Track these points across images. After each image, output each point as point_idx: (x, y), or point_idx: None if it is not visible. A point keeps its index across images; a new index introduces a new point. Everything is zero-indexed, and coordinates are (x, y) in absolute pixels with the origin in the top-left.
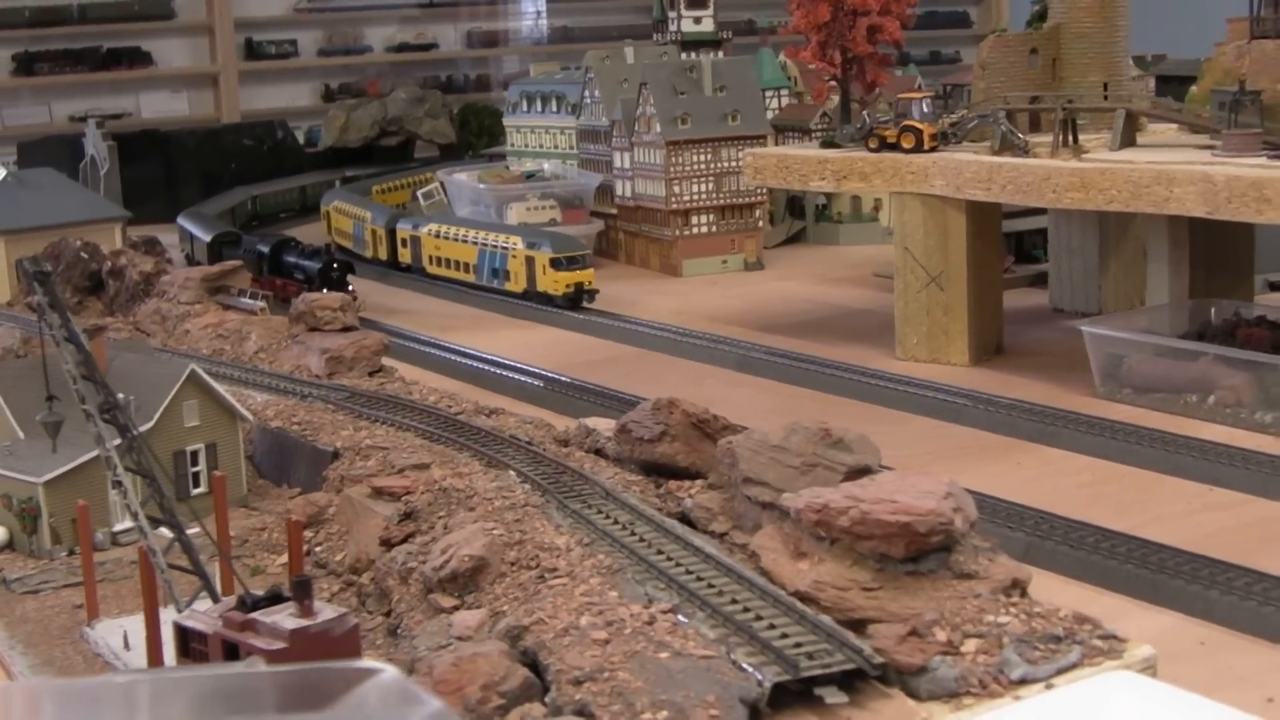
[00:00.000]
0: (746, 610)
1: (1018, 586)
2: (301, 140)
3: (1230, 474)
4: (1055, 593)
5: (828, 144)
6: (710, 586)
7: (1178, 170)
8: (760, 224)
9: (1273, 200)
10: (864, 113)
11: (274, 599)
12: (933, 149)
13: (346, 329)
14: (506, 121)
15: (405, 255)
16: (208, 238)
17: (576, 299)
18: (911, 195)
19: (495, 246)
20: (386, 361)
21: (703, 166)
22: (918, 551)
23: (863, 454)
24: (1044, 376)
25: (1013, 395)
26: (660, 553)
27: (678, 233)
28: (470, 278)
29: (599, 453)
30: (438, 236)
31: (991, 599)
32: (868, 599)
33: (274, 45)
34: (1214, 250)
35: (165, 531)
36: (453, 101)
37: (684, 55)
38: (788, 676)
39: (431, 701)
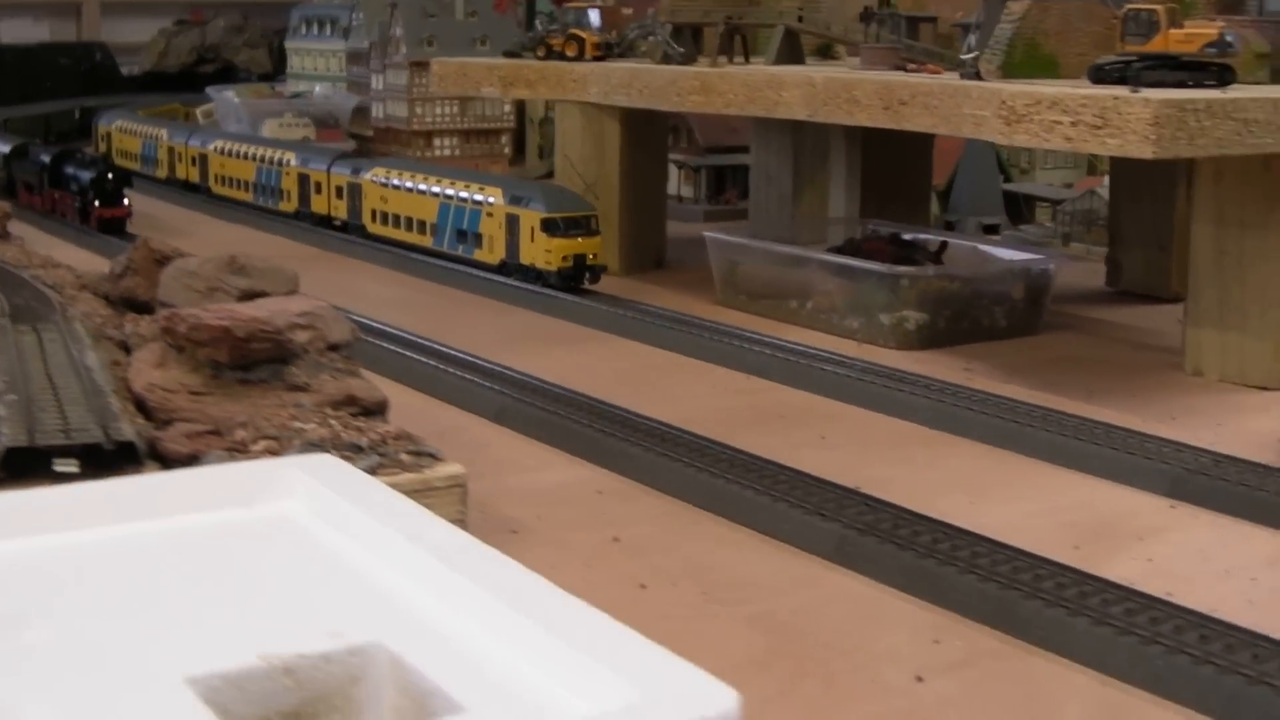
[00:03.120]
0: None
1: (355, 404)
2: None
3: (771, 364)
4: (515, 449)
5: (508, 53)
6: (51, 382)
7: (787, 75)
8: (505, 150)
9: (860, 101)
10: (536, 21)
11: None
12: (596, 58)
13: None
14: (288, 45)
15: (339, 208)
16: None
17: (575, 277)
18: (572, 103)
19: (464, 201)
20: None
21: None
22: (246, 359)
23: (264, 281)
24: (684, 288)
25: (642, 300)
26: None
27: (420, 154)
28: (426, 240)
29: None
30: (381, 184)
31: (314, 410)
32: (191, 402)
33: None
34: (888, 179)
35: None
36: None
37: None
38: (23, 443)
39: None
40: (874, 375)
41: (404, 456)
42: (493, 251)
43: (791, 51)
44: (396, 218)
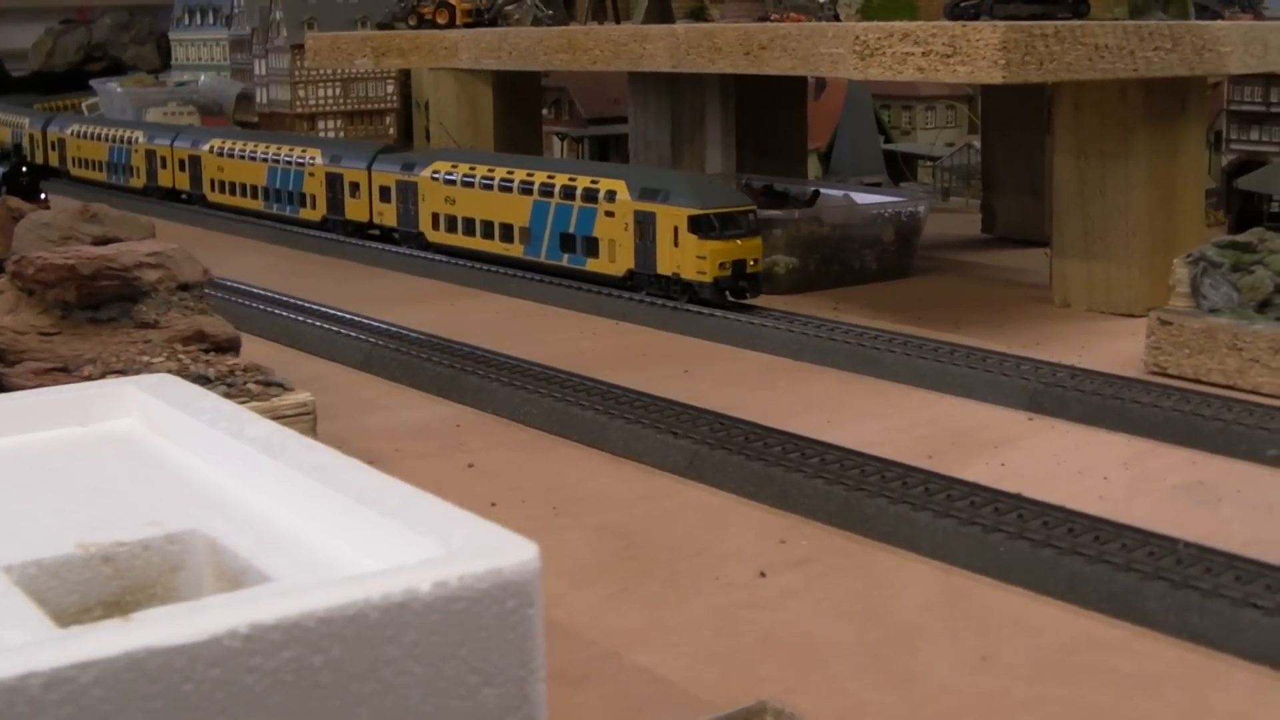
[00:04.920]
0: None
1: (205, 340)
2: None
3: (639, 310)
4: (378, 391)
5: (382, 25)
6: None
7: (650, 28)
8: (390, 131)
9: (722, 49)
10: None
11: None
12: (468, 25)
13: None
14: (172, 36)
15: (386, 214)
16: None
17: (734, 288)
18: (445, 71)
19: (570, 196)
20: None
21: (329, 71)
22: (94, 298)
23: (118, 229)
24: None
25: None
26: None
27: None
28: (515, 249)
29: None
30: (447, 182)
31: (162, 346)
32: (41, 342)
33: None
34: (762, 136)
35: None
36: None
37: None
38: None
39: None
40: (740, 315)
41: (252, 386)
42: (616, 260)
43: (662, 14)
44: (471, 223)
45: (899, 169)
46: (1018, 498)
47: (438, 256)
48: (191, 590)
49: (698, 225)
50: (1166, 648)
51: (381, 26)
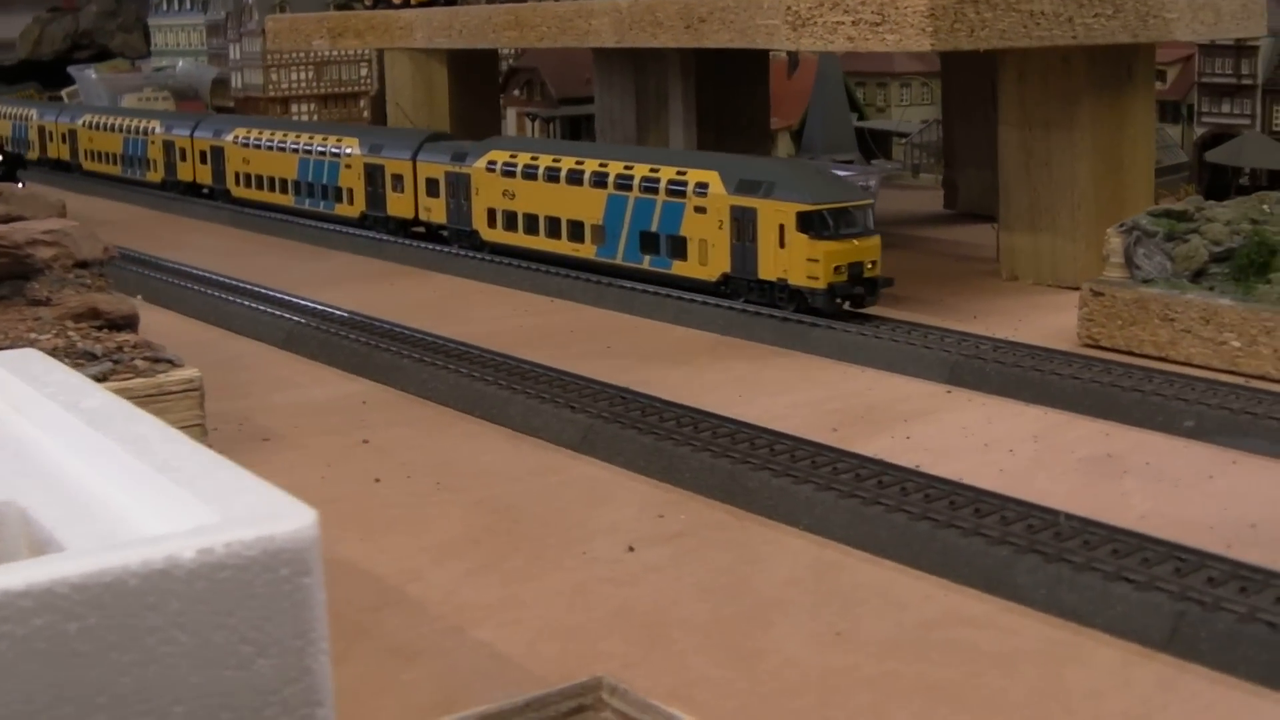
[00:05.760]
0: None
1: (99, 316)
2: None
3: (574, 287)
4: (294, 369)
5: (340, 5)
6: None
7: (595, 4)
8: (365, 114)
9: (663, 23)
10: None
11: None
12: (423, 4)
13: None
14: (150, 22)
15: (435, 210)
16: None
17: (850, 296)
18: (400, 51)
19: (652, 188)
20: None
21: (302, 55)
22: None
23: (23, 208)
24: None
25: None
26: None
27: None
28: (587, 250)
29: None
30: (504, 173)
31: (52, 322)
32: None
33: None
34: (724, 114)
35: None
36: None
37: None
38: None
39: None
40: (670, 290)
41: (139, 363)
42: (708, 263)
43: None
44: (534, 220)
45: (875, 146)
46: (902, 470)
47: (387, 236)
48: (8, 559)
49: (808, 223)
50: (1033, 624)
51: (340, 7)
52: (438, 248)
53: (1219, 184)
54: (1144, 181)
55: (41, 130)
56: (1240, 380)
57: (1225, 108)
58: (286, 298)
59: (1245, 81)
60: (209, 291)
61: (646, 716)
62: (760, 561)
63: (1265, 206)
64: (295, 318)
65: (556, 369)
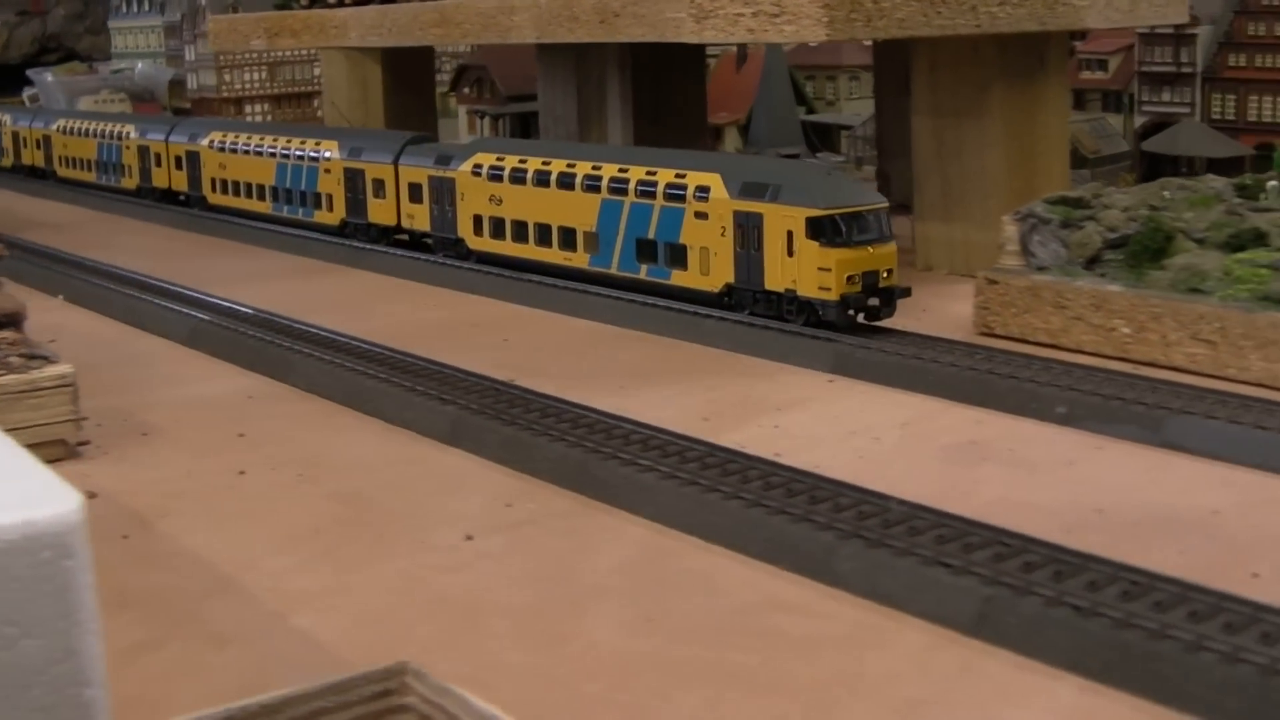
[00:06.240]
0: None
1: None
2: None
3: (483, 281)
4: (190, 366)
5: (279, 5)
6: None
7: (516, 0)
8: (319, 114)
9: (580, 18)
10: None
11: None
12: (358, 3)
13: None
14: (111, 25)
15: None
16: None
17: (865, 307)
18: (336, 50)
19: (648, 192)
20: None
21: (255, 55)
22: None
23: None
24: None
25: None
26: None
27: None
28: (579, 258)
29: None
30: (489, 175)
31: None
32: None
33: None
34: (660, 108)
35: None
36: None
37: None
38: None
39: None
40: (572, 282)
41: (14, 359)
42: (710, 272)
43: None
44: (522, 228)
45: (820, 139)
46: (754, 459)
47: (306, 234)
48: None
49: (819, 229)
50: (849, 609)
51: (280, 7)
52: (352, 245)
53: (1157, 174)
54: (1058, 170)
55: (15, 136)
56: (1128, 367)
57: (1165, 96)
58: (197, 295)
59: (1185, 70)
60: (125, 291)
61: (444, 700)
62: (593, 549)
63: (1165, 193)
64: (201, 315)
65: (437, 361)
